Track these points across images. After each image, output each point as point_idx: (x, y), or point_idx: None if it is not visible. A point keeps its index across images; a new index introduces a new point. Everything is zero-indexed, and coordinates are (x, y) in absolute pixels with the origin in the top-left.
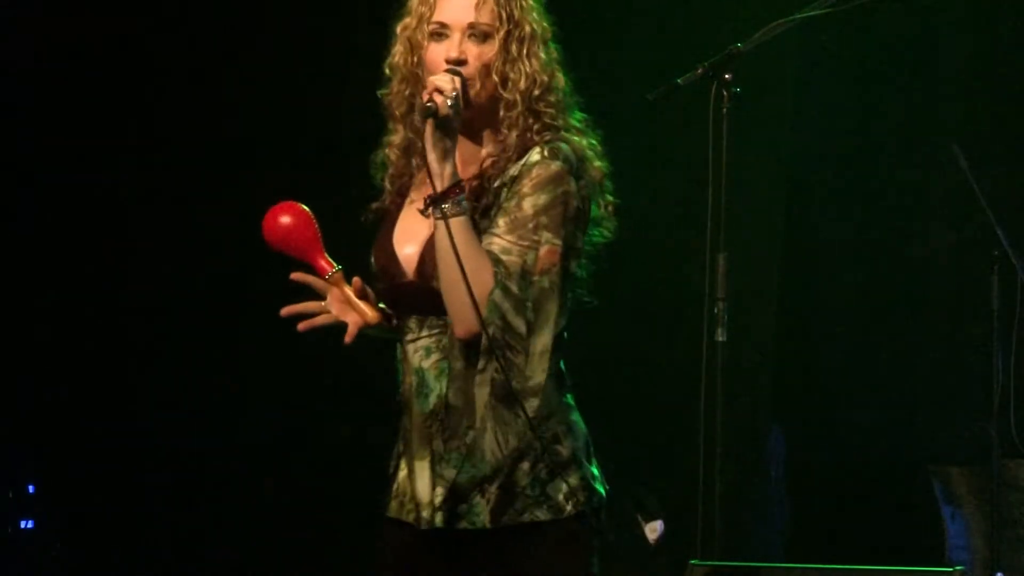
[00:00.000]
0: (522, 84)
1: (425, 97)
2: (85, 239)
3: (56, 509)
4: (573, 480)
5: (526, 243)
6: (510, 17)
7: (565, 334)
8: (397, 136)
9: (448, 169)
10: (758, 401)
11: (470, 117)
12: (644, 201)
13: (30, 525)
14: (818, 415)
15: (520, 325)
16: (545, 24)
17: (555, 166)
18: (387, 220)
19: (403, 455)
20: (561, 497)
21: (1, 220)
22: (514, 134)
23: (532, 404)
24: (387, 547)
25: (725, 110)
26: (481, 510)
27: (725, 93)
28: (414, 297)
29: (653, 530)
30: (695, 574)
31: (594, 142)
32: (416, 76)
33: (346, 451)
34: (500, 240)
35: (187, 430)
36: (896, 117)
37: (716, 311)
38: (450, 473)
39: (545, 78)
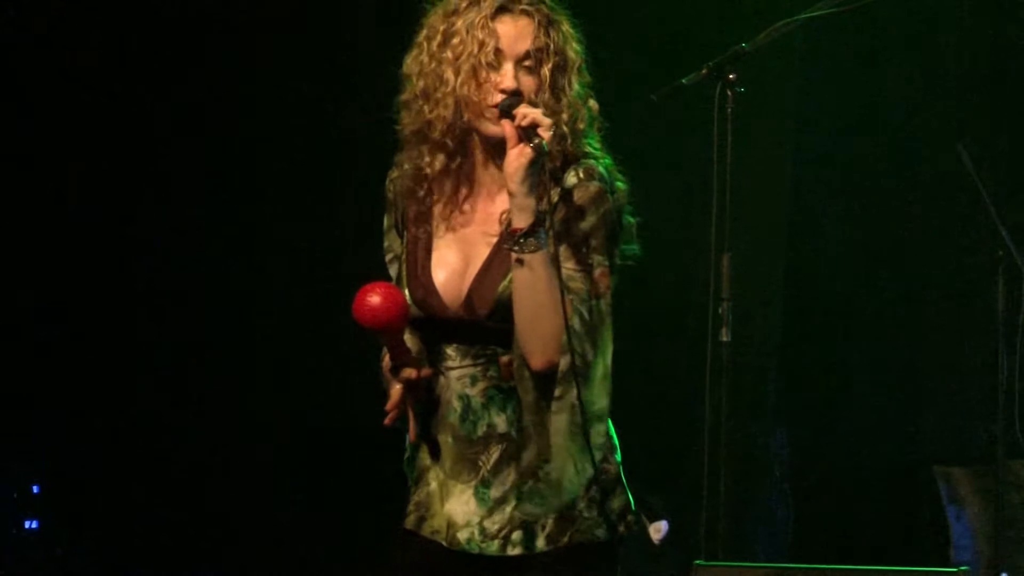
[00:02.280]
0: (565, 116)
1: (522, 122)
2: (85, 239)
3: (60, 509)
4: (621, 499)
5: (583, 267)
6: (556, 48)
7: None
8: (436, 160)
9: (533, 204)
10: (762, 401)
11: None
12: (648, 201)
13: (34, 525)
14: (822, 415)
15: (589, 351)
16: (579, 49)
17: (593, 186)
18: (418, 250)
19: (429, 471)
20: (615, 517)
21: (0, 219)
22: (557, 163)
23: (599, 430)
24: (406, 561)
25: (729, 110)
26: (538, 534)
27: (729, 93)
28: (459, 330)
29: (657, 530)
30: (700, 574)
31: (611, 162)
32: (468, 103)
33: (347, 452)
34: (565, 269)
35: (190, 430)
36: (900, 117)
37: (720, 311)
38: (516, 503)
39: (581, 109)
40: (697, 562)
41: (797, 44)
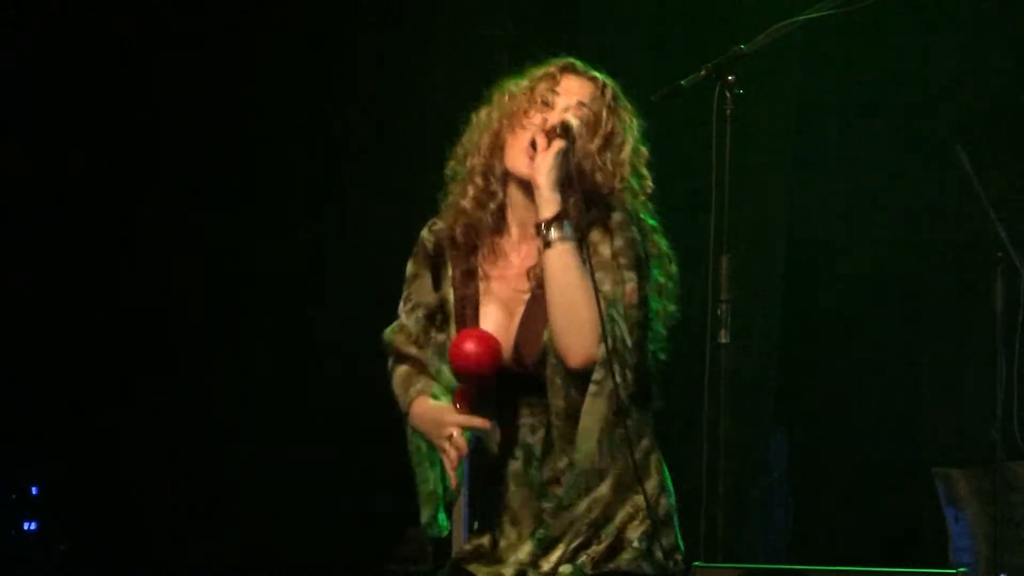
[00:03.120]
0: (616, 183)
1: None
2: (84, 240)
3: (59, 511)
4: (671, 539)
5: (614, 277)
6: (613, 120)
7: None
8: (476, 209)
9: (558, 197)
10: (761, 402)
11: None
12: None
13: (33, 527)
14: (821, 417)
15: (627, 336)
16: (637, 135)
17: (617, 215)
18: (467, 309)
19: (487, 517)
20: (661, 555)
21: (0, 220)
22: (593, 212)
23: (643, 445)
24: None
25: (728, 112)
26: (585, 561)
27: (728, 95)
28: (512, 382)
29: None
30: (699, 575)
31: (667, 243)
32: (509, 144)
33: (347, 452)
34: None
35: (190, 431)
36: (898, 118)
37: (719, 313)
38: (562, 535)
39: (628, 173)
40: (696, 563)
41: (797, 45)
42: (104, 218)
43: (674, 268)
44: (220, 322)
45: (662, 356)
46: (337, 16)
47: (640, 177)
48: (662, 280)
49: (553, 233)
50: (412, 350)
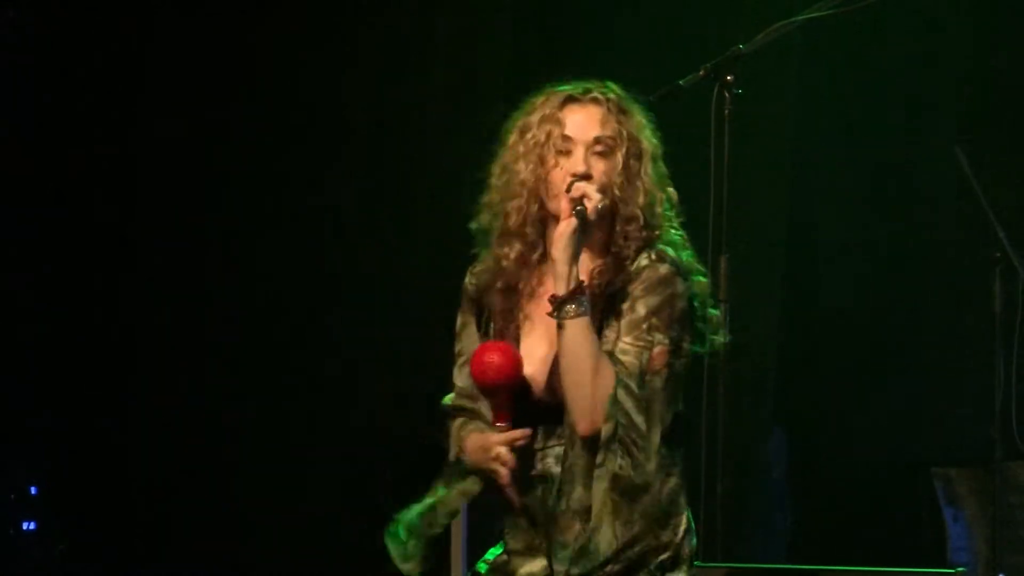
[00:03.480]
0: (640, 200)
1: (575, 194)
2: (83, 241)
3: (58, 511)
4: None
5: (641, 343)
6: (629, 135)
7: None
8: (512, 250)
9: (574, 272)
10: (760, 402)
11: (595, 230)
12: None
13: (32, 527)
14: (820, 416)
15: (642, 423)
16: (655, 141)
17: (664, 268)
18: (507, 339)
19: (508, 541)
20: None
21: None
22: (632, 246)
23: (671, 484)
24: None
25: (727, 111)
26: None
27: (727, 95)
28: (545, 412)
29: None
30: None
31: (692, 254)
32: (542, 190)
33: (347, 453)
34: (619, 342)
35: (188, 431)
36: (898, 118)
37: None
38: (564, 567)
39: (658, 194)
40: (695, 563)
41: (796, 45)
42: (104, 218)
43: (714, 308)
44: (218, 322)
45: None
46: (337, 16)
47: (668, 196)
48: (700, 327)
49: (566, 310)
50: (467, 403)
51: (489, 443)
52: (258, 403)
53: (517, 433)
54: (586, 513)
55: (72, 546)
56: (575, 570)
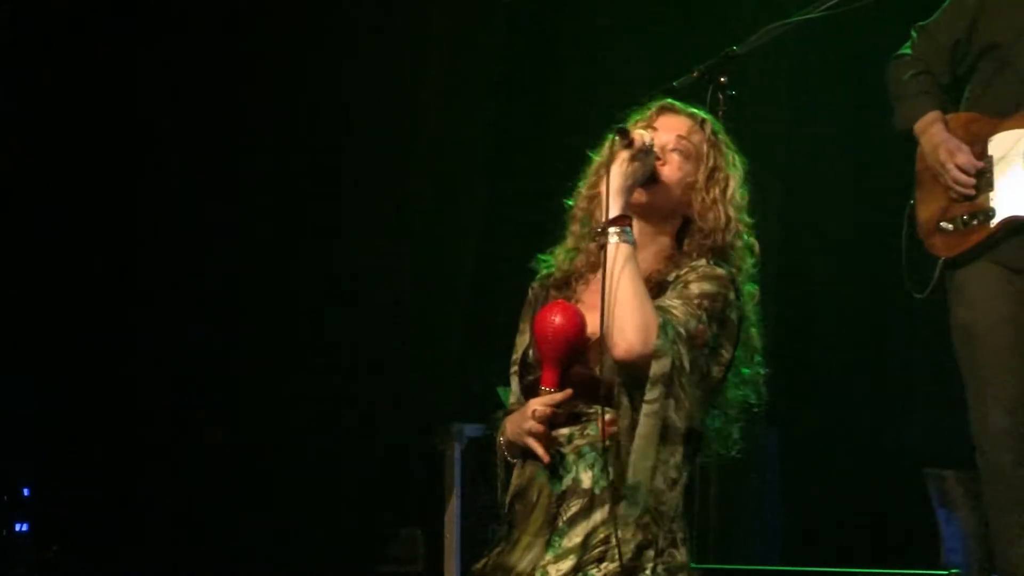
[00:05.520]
0: (711, 218)
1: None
2: (81, 241)
3: (50, 512)
4: None
5: (690, 310)
6: (715, 157)
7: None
8: (572, 239)
9: (622, 201)
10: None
11: (653, 222)
12: None
13: (25, 528)
14: (814, 418)
15: (687, 378)
16: (738, 171)
17: (720, 271)
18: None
19: (508, 524)
20: None
21: None
22: (695, 252)
23: (679, 485)
24: None
25: (721, 113)
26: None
27: (721, 96)
28: (578, 389)
29: None
30: None
31: (754, 288)
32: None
33: (347, 453)
34: (667, 301)
35: (182, 432)
36: (891, 119)
37: None
38: (581, 555)
39: (734, 224)
40: (690, 565)
41: (789, 46)
42: (104, 218)
43: (756, 340)
44: (215, 322)
45: (734, 433)
46: (334, 17)
47: (747, 217)
48: (741, 355)
49: (613, 232)
50: (516, 405)
51: (527, 409)
52: (251, 404)
53: (559, 395)
54: (592, 496)
55: (64, 547)
56: (626, 512)
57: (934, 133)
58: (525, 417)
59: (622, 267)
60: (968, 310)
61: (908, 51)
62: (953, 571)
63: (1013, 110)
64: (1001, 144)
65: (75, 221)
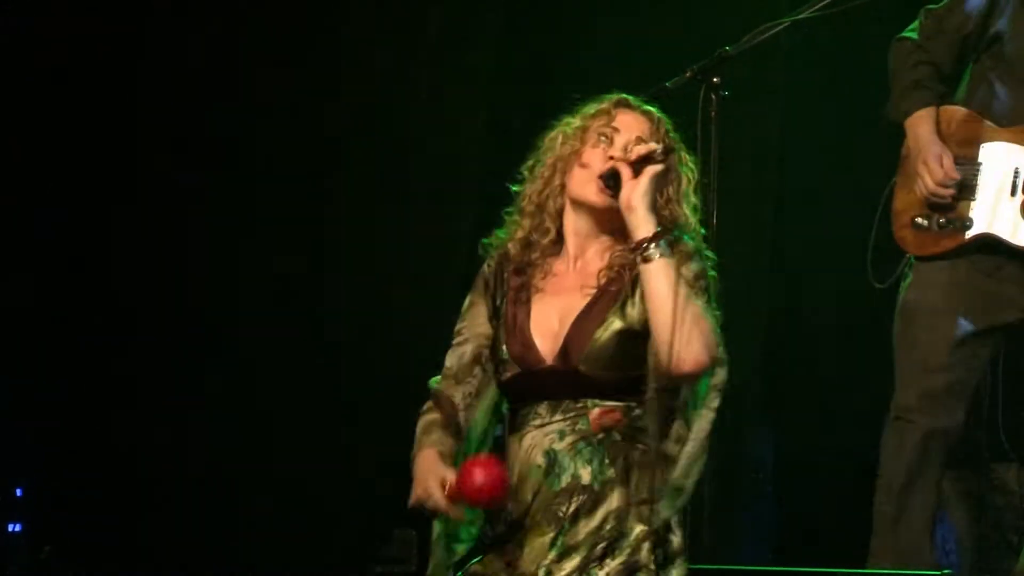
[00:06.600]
0: (680, 219)
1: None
2: (77, 242)
3: (44, 512)
4: (680, 571)
5: (703, 303)
6: (672, 150)
7: None
8: (521, 231)
9: (653, 218)
10: (746, 403)
11: (610, 217)
12: None
13: (18, 528)
14: (806, 418)
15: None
16: (691, 176)
17: (688, 244)
18: (518, 313)
19: (506, 526)
20: None
21: None
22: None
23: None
24: None
25: (714, 114)
26: (596, 574)
27: (714, 96)
28: (553, 382)
29: None
30: None
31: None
32: (570, 166)
33: (346, 453)
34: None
35: (176, 433)
36: (886, 119)
37: None
38: (586, 553)
39: (683, 218)
40: (686, 548)
41: (783, 46)
42: (103, 218)
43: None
44: (212, 322)
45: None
46: (331, 18)
47: (696, 213)
48: (718, 314)
49: (653, 250)
50: (446, 388)
51: (429, 489)
52: (247, 404)
53: (453, 513)
54: (592, 491)
55: (58, 548)
56: (665, 513)
57: (921, 134)
58: (422, 486)
59: (674, 284)
60: (921, 291)
61: (913, 35)
62: (946, 572)
63: (1012, 118)
64: (992, 154)
65: (75, 221)
